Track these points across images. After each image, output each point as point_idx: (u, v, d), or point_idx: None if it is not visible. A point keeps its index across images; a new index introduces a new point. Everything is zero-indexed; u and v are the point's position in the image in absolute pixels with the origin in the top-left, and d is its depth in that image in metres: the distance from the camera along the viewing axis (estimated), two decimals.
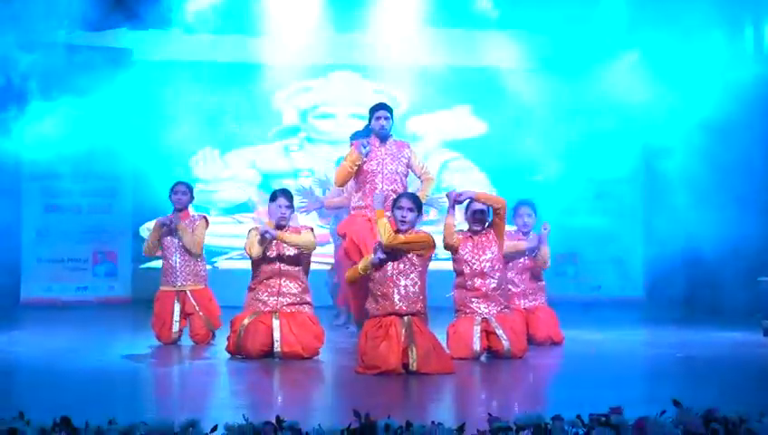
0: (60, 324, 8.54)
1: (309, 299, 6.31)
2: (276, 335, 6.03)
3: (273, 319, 6.08)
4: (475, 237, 6.29)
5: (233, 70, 10.54)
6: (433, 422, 3.45)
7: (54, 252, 10.23)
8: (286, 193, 6.35)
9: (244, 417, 3.46)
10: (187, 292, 6.92)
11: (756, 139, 9.10)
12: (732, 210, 8.86)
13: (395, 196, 6.35)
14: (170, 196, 7.12)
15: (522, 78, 10.40)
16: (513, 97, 10.30)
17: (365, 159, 6.78)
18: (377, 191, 6.59)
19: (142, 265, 10.49)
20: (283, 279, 6.21)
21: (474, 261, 6.22)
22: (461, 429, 3.36)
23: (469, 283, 6.21)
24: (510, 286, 6.77)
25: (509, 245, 6.69)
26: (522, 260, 7.04)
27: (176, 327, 6.85)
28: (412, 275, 5.65)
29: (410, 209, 5.73)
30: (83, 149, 10.10)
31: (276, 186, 8.35)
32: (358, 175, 6.88)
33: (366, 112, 7.28)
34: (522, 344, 6.16)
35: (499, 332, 6.07)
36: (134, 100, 10.39)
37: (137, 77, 10.40)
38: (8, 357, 6.29)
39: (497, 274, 6.24)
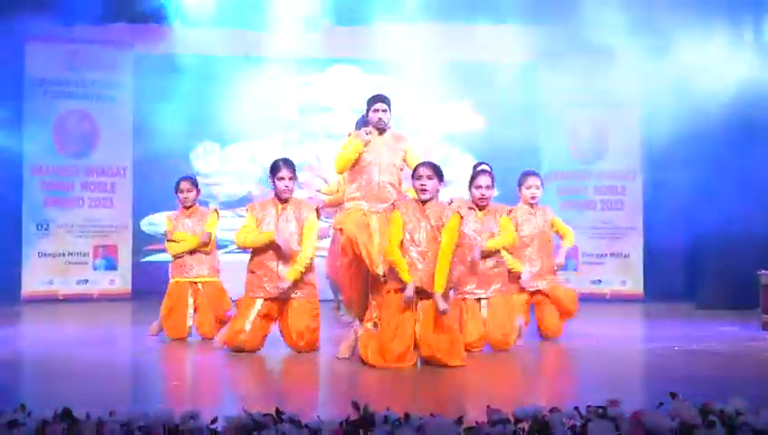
0: (60, 318, 8.57)
1: (310, 279, 6.16)
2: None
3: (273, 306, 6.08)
4: (479, 213, 6.25)
5: (233, 64, 10.55)
6: (432, 414, 3.47)
7: (55, 246, 10.24)
8: (288, 164, 6.16)
9: (243, 409, 3.48)
10: (199, 284, 6.92)
11: (759, 133, 9.11)
12: (732, 205, 8.87)
13: (390, 187, 6.36)
14: (176, 192, 7.08)
15: (520, 72, 10.42)
16: (512, 91, 10.31)
17: (365, 148, 6.76)
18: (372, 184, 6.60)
19: (142, 259, 10.51)
20: (281, 262, 6.10)
21: (474, 237, 6.18)
22: (460, 420, 3.37)
23: (467, 259, 6.17)
24: (528, 265, 6.76)
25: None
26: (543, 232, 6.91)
27: (189, 321, 6.83)
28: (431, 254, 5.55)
29: (429, 177, 5.59)
30: (84, 143, 10.13)
31: None
32: (353, 166, 6.84)
33: (366, 106, 7.25)
34: (502, 333, 6.15)
35: (484, 316, 6.14)
36: (135, 93, 10.42)
37: (137, 71, 10.42)
38: (10, 350, 6.30)
39: (495, 254, 6.24)
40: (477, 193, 6.31)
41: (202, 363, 5.89)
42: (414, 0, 10.11)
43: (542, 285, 6.85)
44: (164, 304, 6.89)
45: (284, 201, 6.15)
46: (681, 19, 9.02)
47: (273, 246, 6.05)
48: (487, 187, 6.29)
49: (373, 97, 6.95)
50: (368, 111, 6.92)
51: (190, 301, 6.86)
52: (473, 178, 6.38)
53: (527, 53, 10.41)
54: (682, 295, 10.05)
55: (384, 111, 6.84)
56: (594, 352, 6.33)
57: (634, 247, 10.44)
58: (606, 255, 10.46)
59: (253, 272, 6.13)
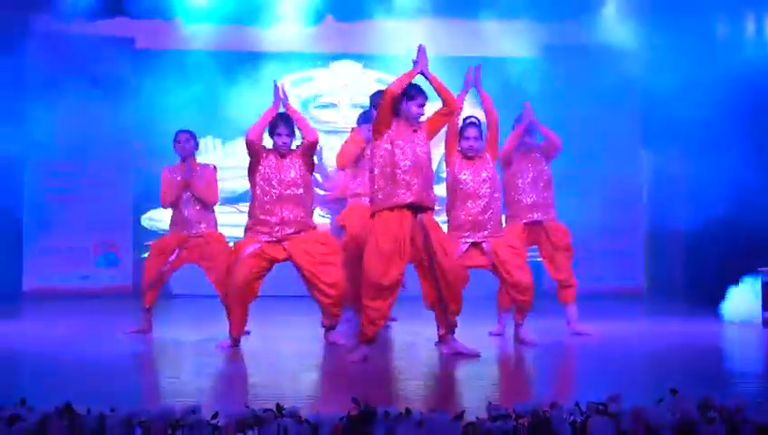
0: (62, 314, 8.58)
1: (312, 224, 6.24)
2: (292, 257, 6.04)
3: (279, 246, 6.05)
4: (472, 160, 6.22)
5: (235, 59, 10.53)
6: (432, 410, 3.47)
7: (56, 242, 10.25)
8: (285, 120, 6.17)
9: (244, 404, 3.49)
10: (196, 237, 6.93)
11: (761, 131, 9.10)
12: (731, 202, 8.86)
13: None
14: (174, 146, 7.20)
15: (522, 68, 10.41)
16: (515, 87, 10.30)
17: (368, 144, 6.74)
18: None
19: (144, 255, 10.51)
20: (285, 206, 6.09)
21: (468, 182, 6.17)
22: (460, 416, 3.37)
23: (459, 204, 6.17)
24: (520, 197, 6.79)
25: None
26: (537, 166, 6.99)
27: (166, 266, 6.87)
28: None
29: (422, 105, 5.62)
30: (85, 139, 10.14)
31: None
32: (357, 161, 6.85)
33: (368, 102, 7.27)
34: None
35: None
36: (136, 88, 10.42)
37: (139, 66, 10.42)
38: (11, 346, 6.32)
39: (488, 197, 6.18)
40: (466, 144, 6.23)
41: (202, 358, 5.89)
42: None
43: (538, 216, 6.85)
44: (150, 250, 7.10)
45: (283, 156, 6.15)
46: (685, 9, 9.03)
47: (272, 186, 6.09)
48: (475, 138, 6.24)
49: (377, 93, 6.97)
50: (371, 106, 6.95)
51: (176, 251, 6.92)
52: (461, 130, 6.31)
53: (531, 49, 10.40)
54: (682, 292, 10.04)
55: None
56: (594, 348, 6.33)
57: (634, 244, 10.44)
58: (606, 251, 10.45)
59: (251, 227, 6.12)
